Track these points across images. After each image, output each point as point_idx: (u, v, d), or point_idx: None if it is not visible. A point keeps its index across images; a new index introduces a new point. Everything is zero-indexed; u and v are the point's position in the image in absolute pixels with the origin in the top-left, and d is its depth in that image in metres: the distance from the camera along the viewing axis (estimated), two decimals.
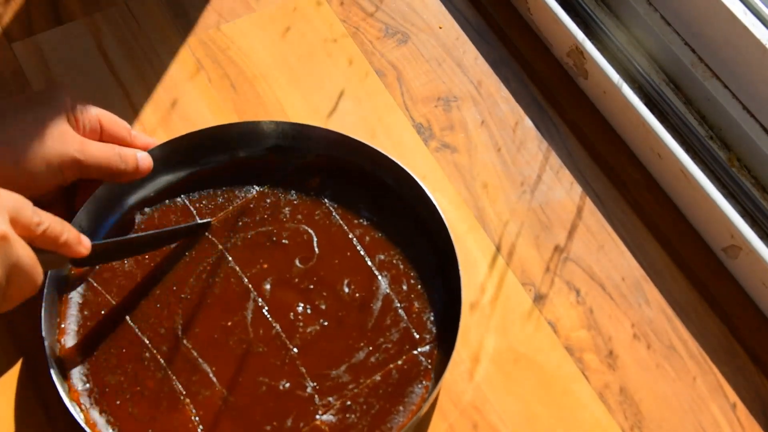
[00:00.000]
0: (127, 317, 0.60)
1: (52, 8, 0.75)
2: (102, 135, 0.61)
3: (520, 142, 0.70)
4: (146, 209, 0.64)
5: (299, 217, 0.64)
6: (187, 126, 0.69)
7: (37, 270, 0.50)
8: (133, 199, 0.64)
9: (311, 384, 0.57)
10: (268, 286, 0.61)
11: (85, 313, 0.60)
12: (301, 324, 0.60)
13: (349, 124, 0.70)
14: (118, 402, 0.57)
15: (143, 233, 0.62)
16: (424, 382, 0.58)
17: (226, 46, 0.74)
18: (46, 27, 0.74)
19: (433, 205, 0.62)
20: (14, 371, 0.59)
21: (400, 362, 0.58)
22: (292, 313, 0.60)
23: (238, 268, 0.62)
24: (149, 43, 0.74)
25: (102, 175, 0.59)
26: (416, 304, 0.60)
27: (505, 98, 0.72)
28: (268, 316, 0.60)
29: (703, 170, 0.65)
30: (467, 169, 0.69)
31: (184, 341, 0.59)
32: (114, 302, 0.60)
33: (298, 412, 0.56)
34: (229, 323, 0.59)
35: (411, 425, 0.55)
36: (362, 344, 0.59)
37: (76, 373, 0.58)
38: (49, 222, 0.51)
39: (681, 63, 0.70)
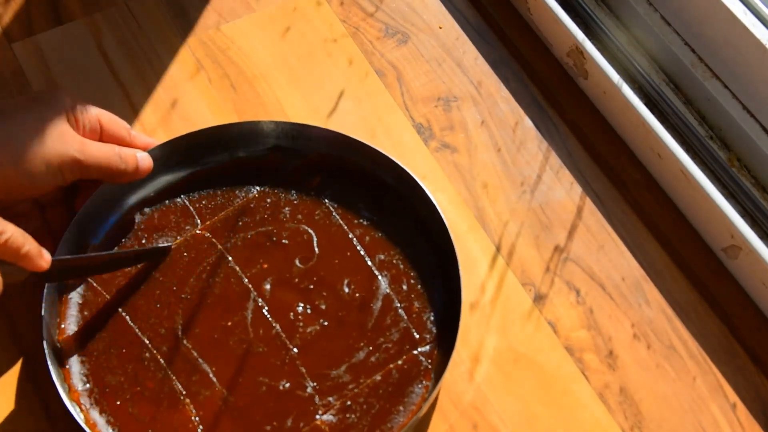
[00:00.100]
0: (127, 317, 0.60)
1: (52, 8, 0.75)
2: (102, 135, 0.61)
3: (520, 142, 0.70)
4: (146, 209, 0.64)
5: (299, 217, 0.64)
6: (187, 126, 0.69)
7: None
8: (133, 199, 0.64)
9: (311, 384, 0.57)
10: (268, 286, 0.61)
11: (85, 313, 0.60)
12: (301, 324, 0.60)
13: (349, 124, 0.70)
14: (118, 402, 0.57)
15: (102, 253, 0.61)
16: (424, 382, 0.58)
17: (226, 46, 0.74)
18: (46, 27, 0.74)
19: (433, 205, 0.62)
20: (14, 371, 0.59)
21: (400, 362, 0.58)
22: (292, 313, 0.60)
23: (238, 268, 0.62)
24: (149, 43, 0.74)
25: (102, 175, 0.59)
26: (416, 304, 0.60)
27: (505, 98, 0.72)
28: (268, 316, 0.60)
29: (703, 170, 0.65)
30: (467, 169, 0.69)
31: (184, 341, 0.59)
32: (114, 302, 0.60)
33: (298, 412, 0.56)
34: (229, 323, 0.59)
35: (411, 425, 0.55)
36: (362, 344, 0.59)
37: (77, 374, 0.58)
38: (12, 233, 0.51)
39: (681, 63, 0.70)
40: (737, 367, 0.61)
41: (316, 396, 0.57)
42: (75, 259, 0.59)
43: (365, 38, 0.75)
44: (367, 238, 0.63)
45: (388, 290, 0.61)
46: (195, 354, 0.58)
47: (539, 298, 0.63)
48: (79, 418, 0.54)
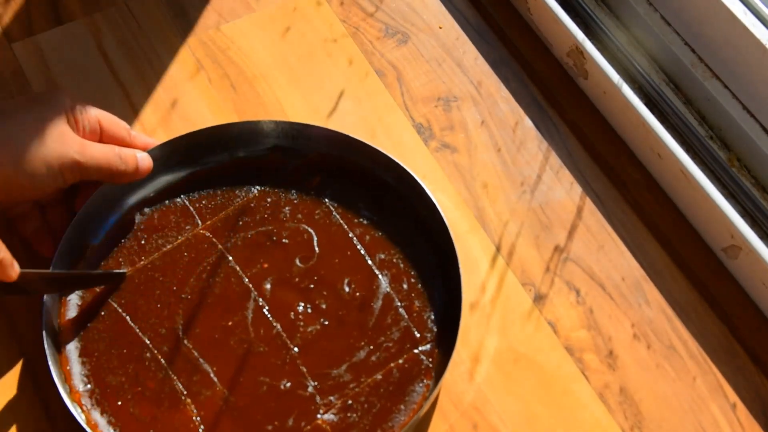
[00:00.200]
0: (128, 318, 0.60)
1: (52, 8, 0.75)
2: (102, 136, 0.61)
3: (520, 142, 0.70)
4: (146, 209, 0.64)
5: (299, 216, 0.64)
6: (187, 126, 0.69)
7: None
8: (133, 199, 0.64)
9: (312, 383, 0.57)
10: (268, 286, 0.61)
11: (85, 313, 0.60)
12: (301, 323, 0.60)
13: (349, 124, 0.70)
14: (119, 402, 0.57)
15: (68, 271, 0.60)
16: (425, 381, 0.58)
17: (226, 46, 0.74)
18: (46, 27, 0.74)
19: (434, 205, 0.62)
20: (15, 372, 0.59)
21: (401, 361, 0.58)
22: (292, 313, 0.60)
23: (238, 268, 0.62)
24: (149, 43, 0.74)
25: (102, 176, 0.59)
26: (417, 303, 0.60)
27: (505, 98, 0.73)
28: (269, 315, 0.60)
29: (703, 170, 0.65)
30: (467, 169, 0.69)
31: (185, 341, 0.59)
32: (114, 303, 0.60)
33: (300, 412, 0.56)
34: (230, 323, 0.59)
35: (412, 424, 0.55)
36: (363, 343, 0.59)
37: (77, 374, 0.58)
38: None
39: (681, 63, 0.70)
40: (737, 367, 0.61)
41: (317, 395, 0.57)
42: (44, 274, 0.58)
43: (365, 38, 0.75)
44: (368, 237, 0.63)
45: (388, 289, 0.61)
46: (196, 354, 0.58)
47: (539, 298, 0.63)
48: (81, 418, 0.54)
